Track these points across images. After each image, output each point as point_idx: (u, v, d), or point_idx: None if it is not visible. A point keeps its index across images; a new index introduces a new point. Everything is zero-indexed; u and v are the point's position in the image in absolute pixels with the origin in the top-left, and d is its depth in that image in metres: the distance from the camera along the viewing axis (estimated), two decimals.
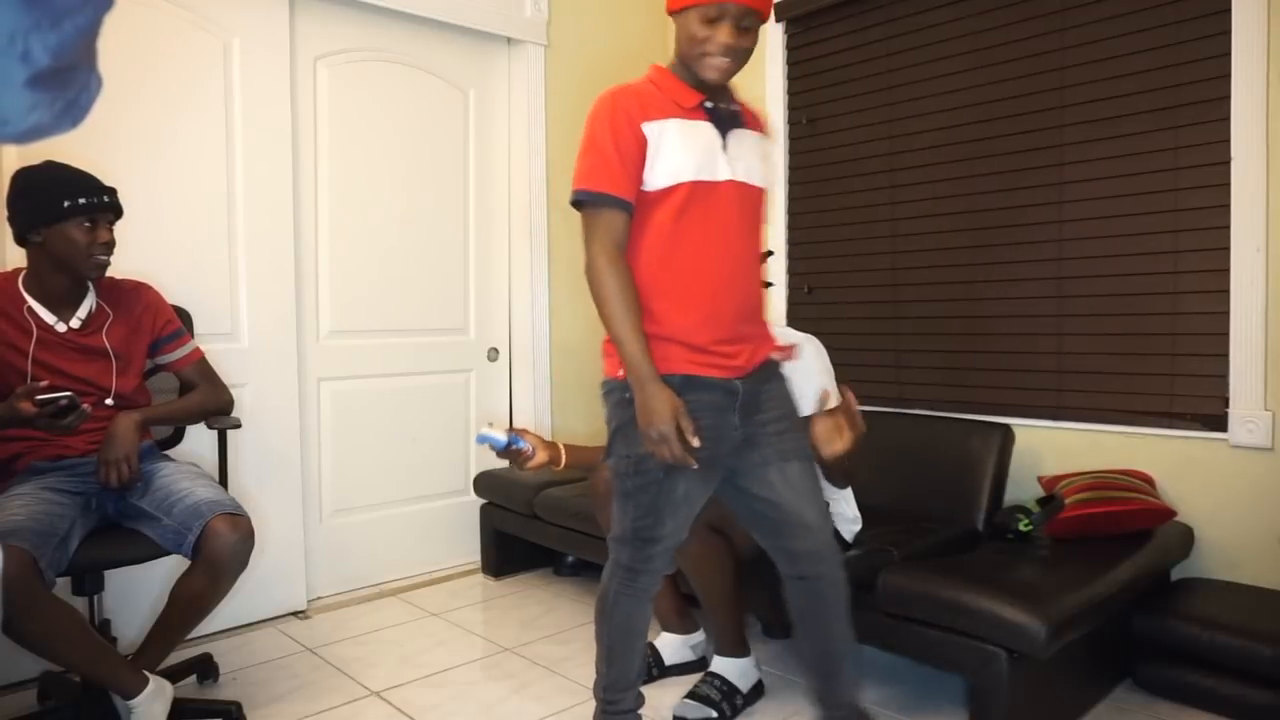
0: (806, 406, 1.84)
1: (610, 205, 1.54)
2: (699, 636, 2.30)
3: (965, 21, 2.77)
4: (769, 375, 1.67)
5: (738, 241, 1.61)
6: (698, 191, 1.55)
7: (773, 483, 1.62)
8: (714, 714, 1.98)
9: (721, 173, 1.57)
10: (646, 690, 2.17)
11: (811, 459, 1.68)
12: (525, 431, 2.06)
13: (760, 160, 1.66)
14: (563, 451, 2.11)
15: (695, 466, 1.51)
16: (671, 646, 2.27)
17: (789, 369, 1.81)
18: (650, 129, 1.54)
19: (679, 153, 1.54)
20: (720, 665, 2.08)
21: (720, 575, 2.05)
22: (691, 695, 2.02)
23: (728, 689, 2.03)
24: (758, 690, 2.11)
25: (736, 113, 1.64)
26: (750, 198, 1.63)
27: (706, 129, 1.58)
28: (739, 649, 2.09)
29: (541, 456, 2.07)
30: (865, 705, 1.78)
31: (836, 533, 1.89)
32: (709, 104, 1.59)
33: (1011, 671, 1.77)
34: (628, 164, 1.53)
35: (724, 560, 2.05)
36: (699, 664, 2.26)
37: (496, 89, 3.29)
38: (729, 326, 1.59)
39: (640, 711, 1.75)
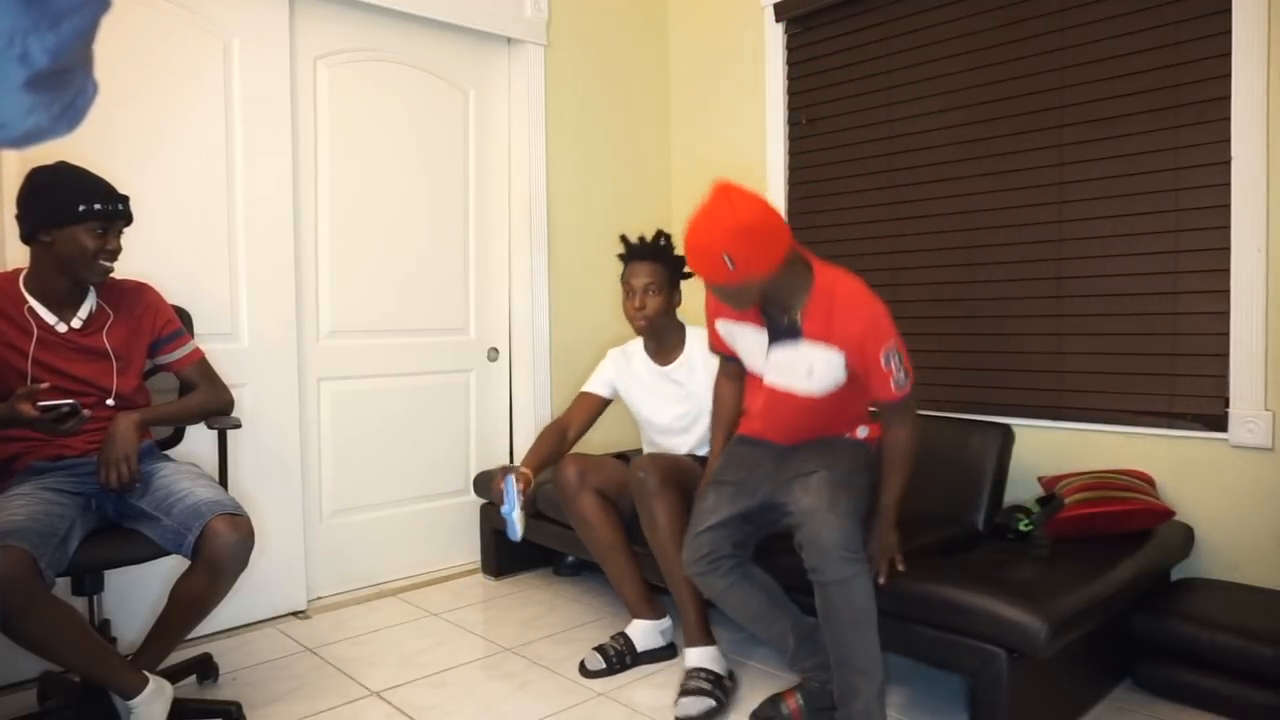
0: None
1: None
2: (666, 622, 2.39)
3: (965, 21, 2.77)
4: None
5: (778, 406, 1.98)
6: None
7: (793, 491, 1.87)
8: (713, 703, 2.04)
9: (768, 374, 1.96)
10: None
11: (833, 470, 1.87)
12: (509, 470, 2.26)
13: (805, 371, 1.89)
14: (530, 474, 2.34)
15: None
16: (642, 632, 2.35)
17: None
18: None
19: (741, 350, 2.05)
20: (695, 657, 2.15)
21: (614, 532, 2.33)
22: (685, 694, 2.06)
23: (713, 677, 2.10)
24: (731, 677, 2.19)
25: (794, 326, 1.88)
26: (789, 397, 1.94)
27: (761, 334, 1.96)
28: (706, 637, 2.18)
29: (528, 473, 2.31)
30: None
31: None
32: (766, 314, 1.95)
33: (1011, 671, 1.77)
34: None
35: (614, 520, 2.35)
36: (668, 650, 2.36)
37: (496, 89, 3.29)
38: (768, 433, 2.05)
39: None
